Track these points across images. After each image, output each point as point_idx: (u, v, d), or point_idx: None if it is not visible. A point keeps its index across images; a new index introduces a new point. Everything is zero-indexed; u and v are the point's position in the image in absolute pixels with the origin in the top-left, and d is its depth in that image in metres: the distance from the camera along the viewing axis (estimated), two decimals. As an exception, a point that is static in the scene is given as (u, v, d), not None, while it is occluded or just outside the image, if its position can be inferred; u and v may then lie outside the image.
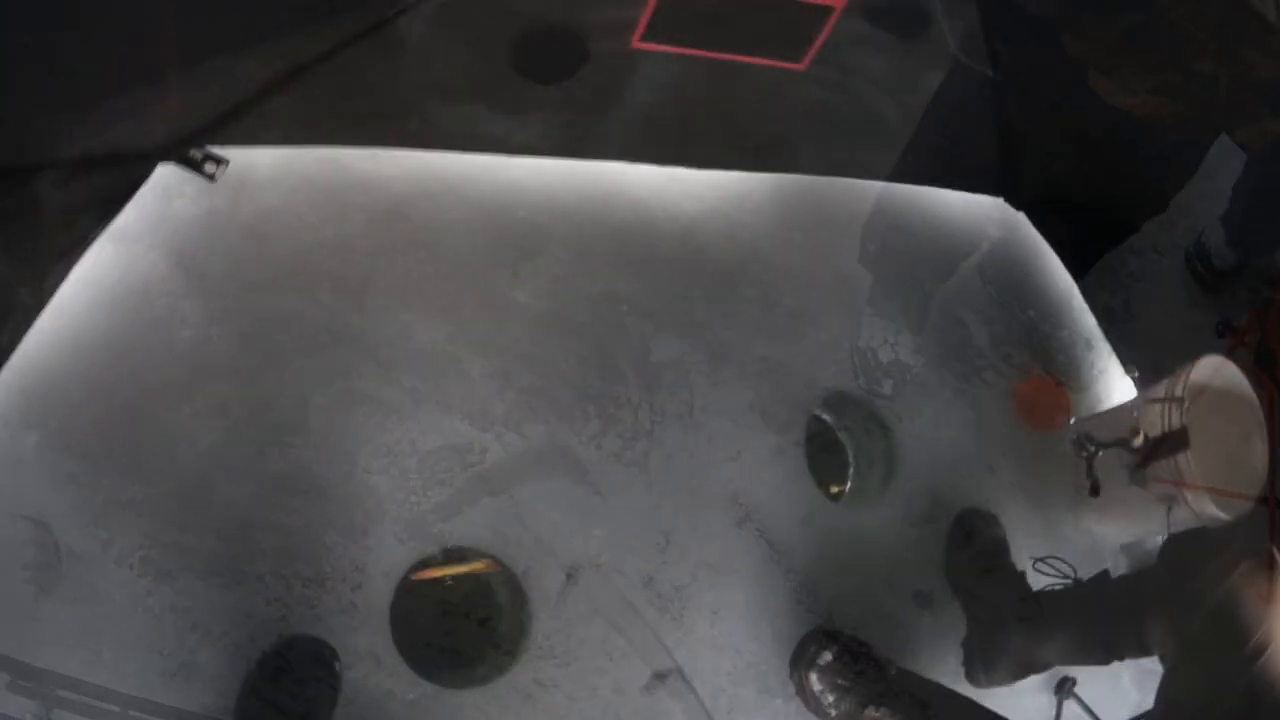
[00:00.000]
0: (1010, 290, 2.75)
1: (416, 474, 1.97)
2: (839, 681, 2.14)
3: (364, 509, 1.93)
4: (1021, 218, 2.87)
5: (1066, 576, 2.35)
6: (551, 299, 2.17)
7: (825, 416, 2.47)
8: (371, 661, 1.88)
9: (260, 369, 1.94)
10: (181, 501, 1.83)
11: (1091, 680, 2.32)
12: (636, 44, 2.03)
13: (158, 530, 1.80)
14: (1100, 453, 2.39)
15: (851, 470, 2.49)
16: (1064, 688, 2.44)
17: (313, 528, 1.89)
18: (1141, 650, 2.14)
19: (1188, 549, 2.29)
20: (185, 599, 1.78)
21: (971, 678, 2.38)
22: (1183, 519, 2.43)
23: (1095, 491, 2.42)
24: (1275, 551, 1.95)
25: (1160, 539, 2.50)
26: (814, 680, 2.16)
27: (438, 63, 2.00)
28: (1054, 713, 2.39)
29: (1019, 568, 2.41)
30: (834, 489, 2.44)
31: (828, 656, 2.15)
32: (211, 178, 1.95)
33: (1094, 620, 2.20)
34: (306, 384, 1.95)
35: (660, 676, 2.04)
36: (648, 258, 2.28)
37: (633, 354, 2.20)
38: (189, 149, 1.92)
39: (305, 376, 1.95)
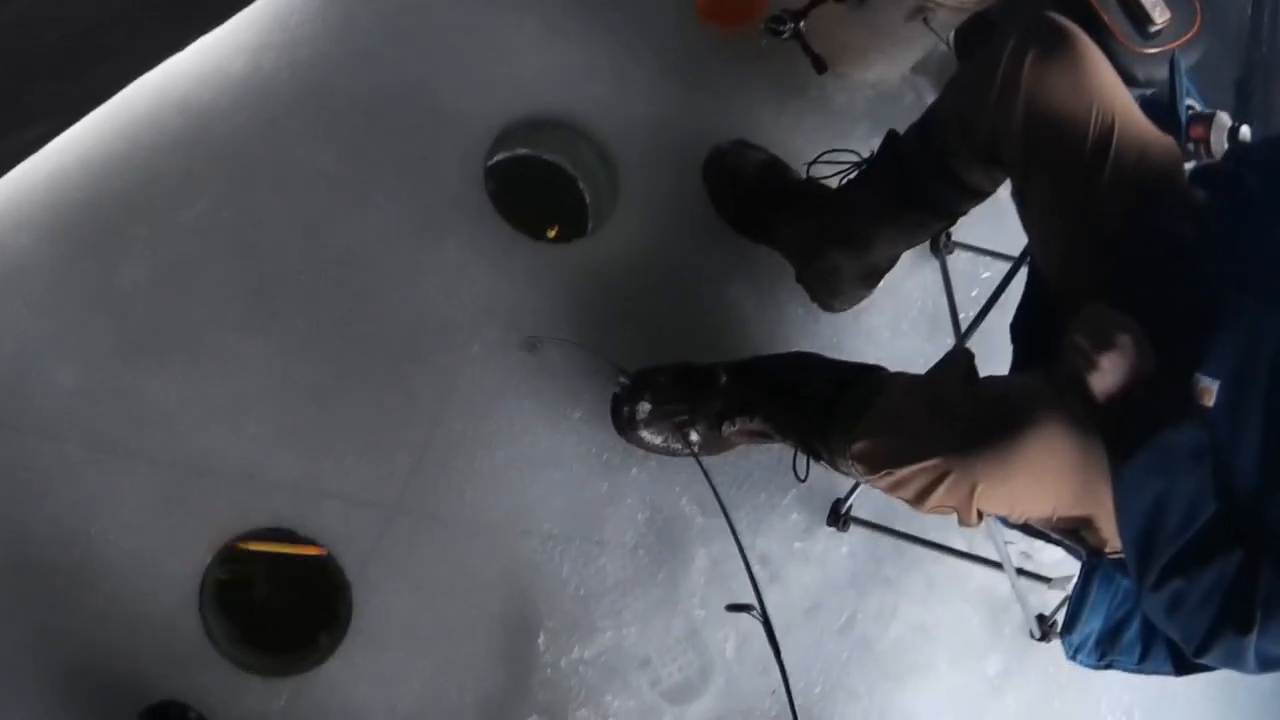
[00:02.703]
0: None
1: (162, 516, 1.81)
2: (674, 420, 1.91)
3: (133, 574, 1.78)
4: None
5: (856, 162, 2.05)
6: (156, 256, 1.90)
7: (522, 151, 2.10)
8: (224, 691, 1.77)
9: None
10: None
11: (969, 224, 1.99)
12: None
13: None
14: (802, 24, 2.05)
15: (584, 194, 2.14)
16: (940, 245, 2.18)
17: (99, 615, 1.76)
18: (972, 195, 1.87)
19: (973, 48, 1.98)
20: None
21: (829, 309, 2.13)
22: (947, 20, 2.11)
23: (820, 67, 2.08)
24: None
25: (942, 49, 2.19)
26: (649, 436, 1.92)
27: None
28: (940, 275, 2.14)
29: (801, 178, 2.12)
30: (552, 231, 2.10)
31: (645, 406, 1.87)
32: None
33: (907, 190, 1.92)
34: (7, 494, 1.78)
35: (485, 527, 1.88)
36: (225, 145, 1.95)
37: (257, 258, 1.93)
38: None
39: (6, 484, 1.78)
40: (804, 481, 1.89)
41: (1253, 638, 1.25)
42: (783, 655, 1.64)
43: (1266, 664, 1.29)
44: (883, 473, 1.55)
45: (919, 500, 1.53)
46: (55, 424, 1.78)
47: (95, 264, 1.86)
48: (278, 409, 1.85)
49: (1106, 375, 1.33)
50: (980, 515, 1.52)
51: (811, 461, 1.85)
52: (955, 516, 1.53)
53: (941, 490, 1.47)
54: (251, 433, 1.84)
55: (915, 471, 1.49)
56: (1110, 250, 1.53)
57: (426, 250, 1.95)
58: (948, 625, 2.13)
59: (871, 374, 1.78)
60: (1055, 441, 1.42)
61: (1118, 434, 1.35)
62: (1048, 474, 1.45)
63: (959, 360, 1.67)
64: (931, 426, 1.51)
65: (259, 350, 1.87)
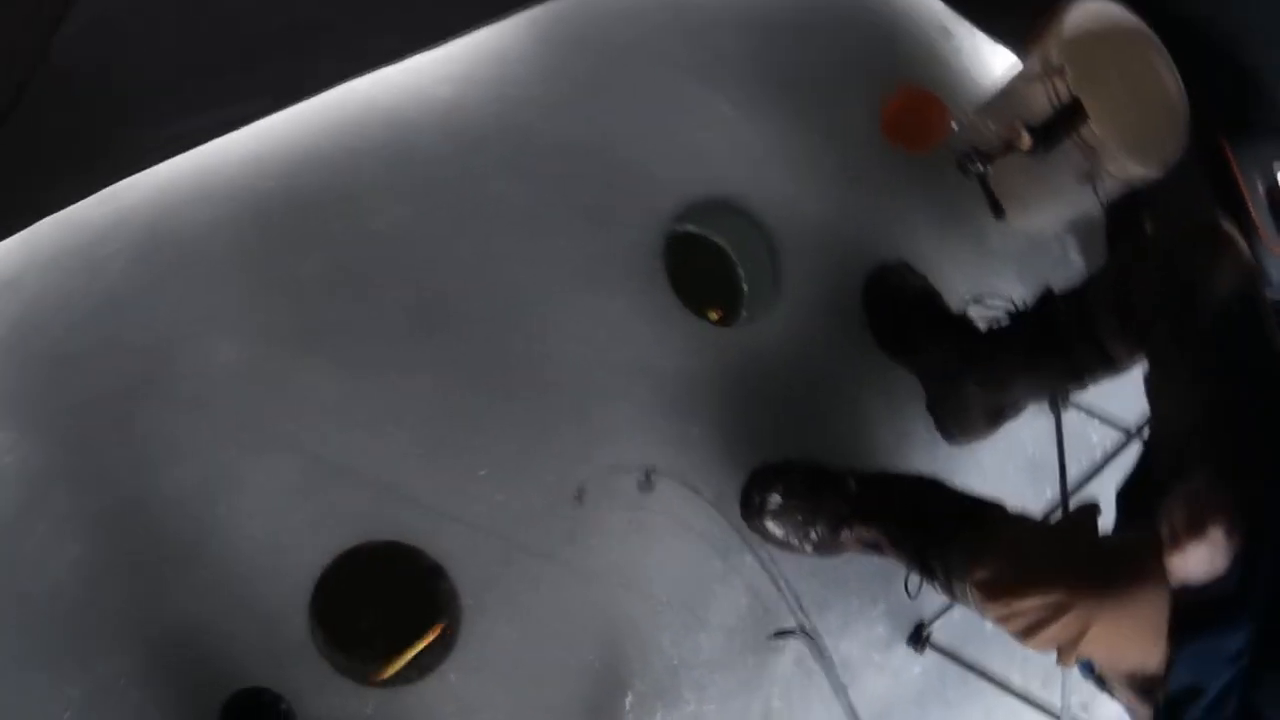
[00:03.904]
0: (833, 11, 2.41)
1: (291, 508, 1.84)
2: (798, 518, 1.99)
3: (249, 558, 1.81)
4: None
5: (1007, 309, 2.14)
6: (338, 256, 1.96)
7: (691, 229, 2.17)
8: (315, 689, 1.80)
9: (89, 460, 1.79)
10: (76, 620, 1.72)
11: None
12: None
13: (65, 657, 1.71)
14: (989, 167, 2.15)
15: (741, 280, 2.20)
16: (1059, 402, 2.27)
17: (208, 590, 1.78)
18: (1109, 367, 1.96)
19: (1129, 226, 2.07)
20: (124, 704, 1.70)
21: (949, 439, 2.21)
22: (1113, 188, 2.21)
23: (999, 212, 2.18)
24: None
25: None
26: (773, 528, 1.99)
27: (112, 86, 1.76)
28: (1054, 431, 2.22)
29: (955, 311, 2.21)
30: (715, 314, 2.16)
31: (775, 498, 1.95)
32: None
33: (1051, 347, 2.01)
34: (140, 455, 1.80)
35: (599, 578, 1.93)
36: (422, 164, 2.03)
37: (433, 275, 2.00)
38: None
39: (134, 448, 1.80)
40: (914, 598, 1.96)
41: None
42: None
43: None
44: (1002, 601, 1.62)
45: (1029, 633, 1.59)
46: (204, 396, 1.81)
47: (276, 251, 1.90)
48: (425, 425, 1.89)
49: (1188, 560, 1.39)
50: (1079, 657, 1.59)
51: (924, 582, 1.91)
52: (1054, 655, 1.59)
53: (1055, 626, 1.54)
54: (396, 443, 1.87)
55: (1035, 605, 1.56)
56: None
57: (595, 302, 2.01)
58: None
59: (997, 508, 1.86)
60: (1164, 596, 1.46)
61: (1179, 611, 1.41)
62: (1154, 629, 1.52)
63: (1089, 510, 1.75)
64: (1058, 564, 1.58)
65: (419, 364, 1.92)
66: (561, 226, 2.02)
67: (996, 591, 1.65)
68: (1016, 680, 2.19)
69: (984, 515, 1.85)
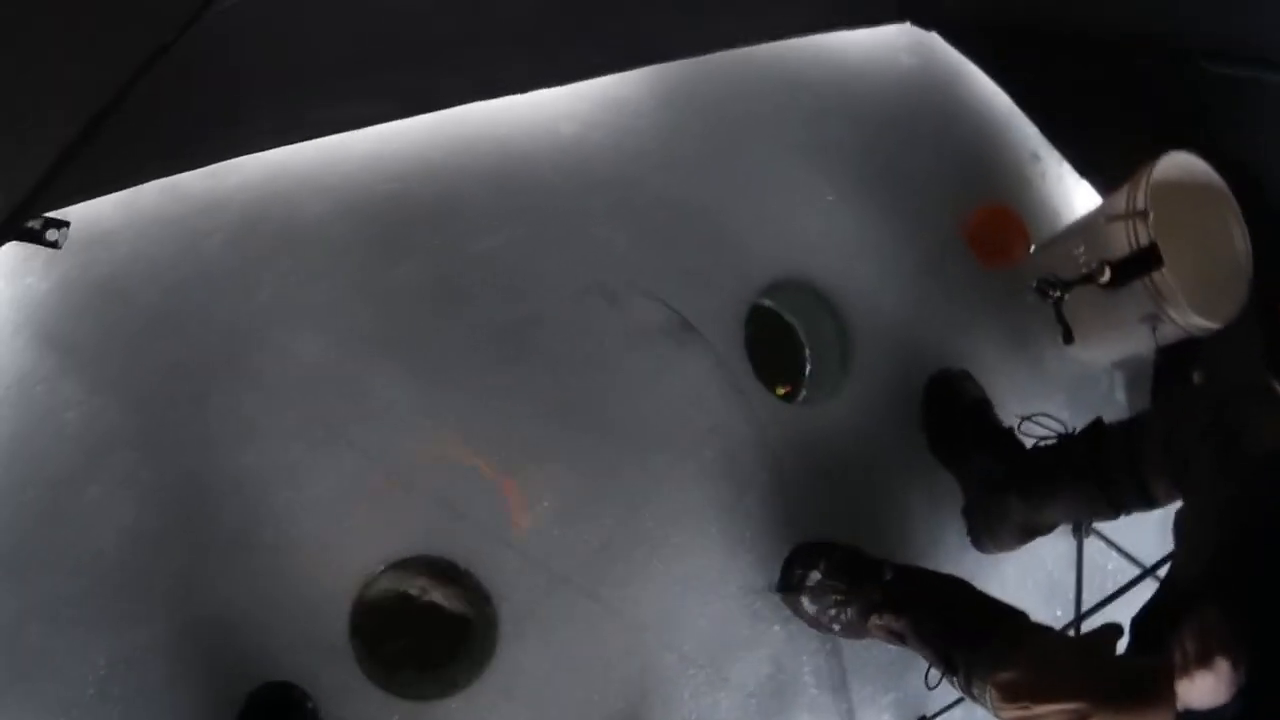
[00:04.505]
0: (938, 119, 2.52)
1: (347, 510, 1.88)
2: (834, 598, 2.05)
3: (299, 553, 1.85)
4: (934, 38, 2.60)
5: (1056, 431, 2.23)
6: (435, 269, 2.02)
7: (767, 303, 2.26)
8: (343, 693, 1.83)
9: (156, 428, 1.83)
10: (116, 585, 1.75)
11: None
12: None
13: (98, 619, 1.73)
14: (1066, 296, 2.24)
15: (806, 361, 2.30)
16: (1081, 527, 2.35)
17: (252, 578, 1.82)
18: (1146, 502, 2.04)
19: (1178, 374, 2.16)
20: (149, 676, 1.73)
21: (979, 547, 2.29)
22: (1170, 334, 2.31)
23: (1069, 338, 2.27)
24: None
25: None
26: (807, 604, 2.05)
27: (249, 63, 1.81)
28: (1075, 555, 2.30)
29: (1005, 425, 2.29)
30: (782, 389, 2.25)
31: (815, 575, 2.02)
32: (55, 245, 1.78)
33: (1094, 474, 2.09)
34: (208, 433, 1.84)
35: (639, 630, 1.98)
36: (530, 195, 2.11)
37: (522, 303, 2.05)
38: (24, 222, 1.77)
39: (203, 425, 1.84)
40: (932, 690, 2.02)
41: None
42: None
43: None
44: (1021, 704, 1.70)
45: None
46: (280, 387, 1.86)
47: (375, 255, 1.96)
48: (493, 448, 1.95)
49: (1195, 689, 1.46)
50: None
51: (944, 676, 1.98)
52: None
53: None
54: (462, 462, 1.93)
55: (1055, 711, 1.63)
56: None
57: (678, 357, 2.08)
58: None
59: (1023, 615, 1.94)
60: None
61: None
62: None
63: (1113, 629, 1.83)
64: (1080, 675, 1.66)
65: (495, 388, 1.98)
66: (656, 279, 2.07)
67: (1019, 694, 1.73)
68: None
69: (1011, 620, 1.92)
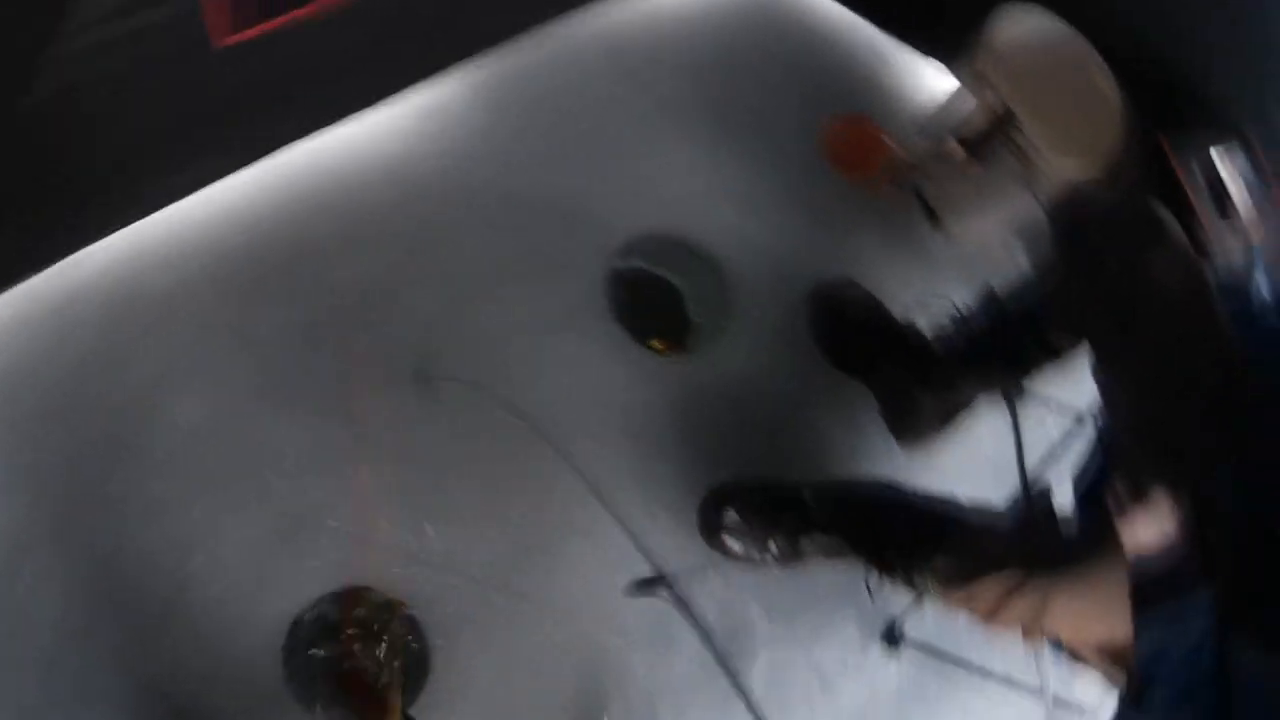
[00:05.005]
0: (771, 44, 2.51)
1: (264, 557, 1.93)
2: (756, 532, 2.07)
3: (225, 608, 1.90)
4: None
5: (951, 314, 2.21)
6: (302, 311, 2.07)
7: (640, 265, 2.26)
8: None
9: (64, 522, 1.88)
10: (52, 676, 1.80)
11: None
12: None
13: (49, 711, 1.80)
14: (925, 182, 2.21)
15: (690, 313, 2.28)
16: (1010, 393, 2.32)
17: (187, 641, 1.88)
18: (1051, 355, 2.02)
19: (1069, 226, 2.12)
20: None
21: (905, 445, 2.29)
22: (1053, 190, 2.26)
23: (936, 223, 2.25)
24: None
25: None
26: (731, 542, 2.06)
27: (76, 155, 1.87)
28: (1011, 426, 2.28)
29: (901, 321, 2.28)
30: (660, 344, 2.24)
31: (731, 515, 2.03)
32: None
33: (995, 344, 2.08)
34: (116, 514, 1.90)
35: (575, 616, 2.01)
36: (369, 223, 2.14)
37: (391, 325, 2.09)
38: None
39: (110, 509, 1.91)
40: (873, 599, 2.02)
41: None
42: None
43: None
44: (962, 587, 1.70)
45: (991, 615, 1.67)
46: (178, 454, 1.91)
47: (241, 308, 2.01)
48: (393, 471, 1.98)
49: (1138, 530, 1.45)
50: (1041, 635, 1.65)
51: (884, 579, 1.98)
52: (1018, 635, 1.66)
53: (1017, 603, 1.61)
54: (364, 491, 1.96)
55: (994, 586, 1.63)
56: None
57: (552, 343, 2.11)
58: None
59: (951, 501, 1.93)
60: (1120, 569, 1.51)
61: (1140, 581, 1.46)
62: (1115, 602, 1.58)
63: (1042, 495, 1.82)
64: (1014, 546, 1.66)
65: (383, 412, 2.01)
66: (511, 273, 2.10)
67: (956, 577, 1.73)
68: (997, 667, 2.24)
69: (939, 508, 1.92)
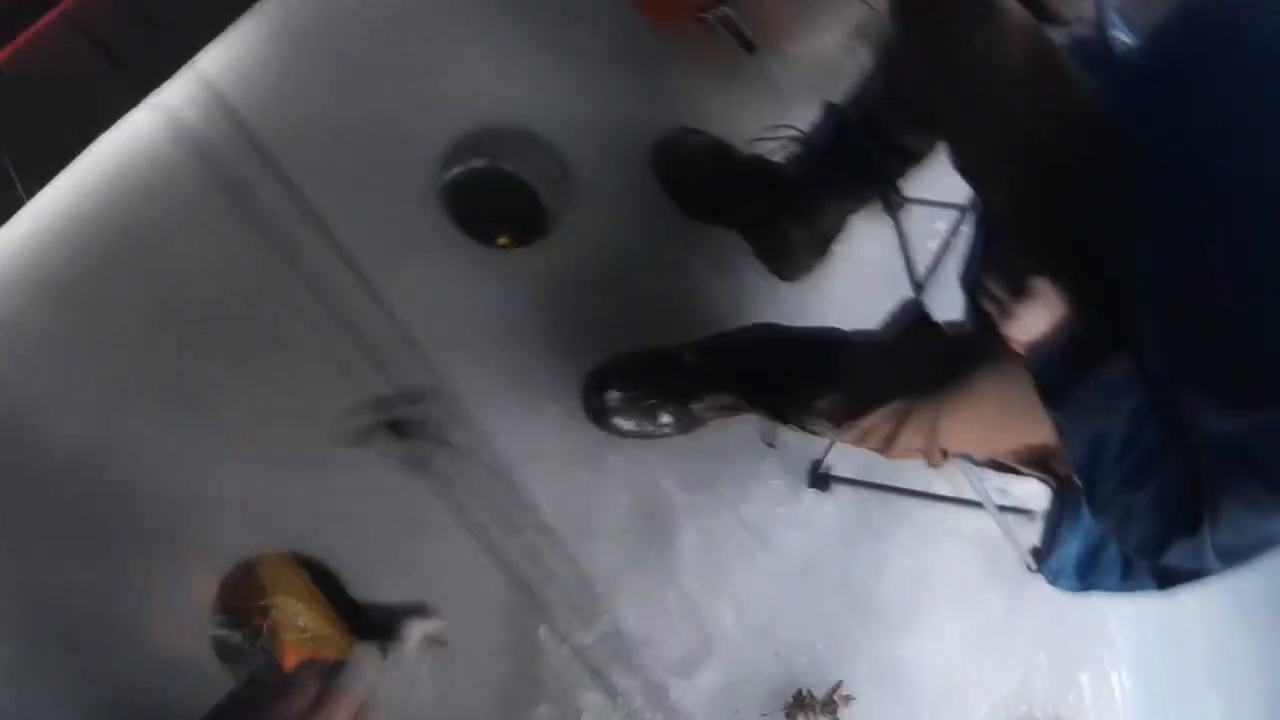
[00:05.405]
0: None
1: (156, 562, 1.88)
2: (644, 405, 1.99)
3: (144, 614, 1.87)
4: None
5: (796, 136, 2.11)
6: (144, 308, 1.99)
7: (479, 164, 2.14)
8: None
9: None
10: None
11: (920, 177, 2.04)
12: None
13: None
14: (731, 8, 2.10)
15: (541, 200, 2.16)
16: (892, 202, 2.21)
17: (93, 668, 1.85)
18: (913, 160, 1.93)
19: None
20: None
21: (786, 279, 2.19)
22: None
23: (748, 46, 2.14)
24: None
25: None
26: (624, 424, 1.98)
27: None
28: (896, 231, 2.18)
29: (750, 156, 2.17)
30: (504, 239, 2.13)
31: (614, 395, 1.95)
32: None
33: (849, 158, 1.98)
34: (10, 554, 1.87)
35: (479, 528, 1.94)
36: (188, 201, 2.00)
37: (240, 296, 1.99)
38: None
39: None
40: (774, 448, 1.95)
41: (1205, 535, 1.27)
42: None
43: (1229, 557, 1.30)
44: (848, 424, 1.62)
45: (886, 446, 1.59)
46: (61, 470, 1.84)
47: (82, 316, 1.92)
48: (272, 437, 1.91)
49: (1025, 323, 1.36)
50: (945, 454, 1.57)
51: (782, 427, 1.90)
52: (926, 462, 1.58)
53: (907, 432, 1.54)
54: (248, 463, 1.90)
55: (879, 417, 1.55)
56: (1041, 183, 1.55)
57: (394, 271, 2.00)
58: (944, 570, 2.20)
59: (829, 334, 1.84)
60: (1010, 374, 1.45)
61: (1045, 380, 1.38)
62: (1007, 406, 1.50)
63: (910, 308, 1.73)
64: (889, 372, 1.57)
65: (242, 382, 1.93)
66: (339, 209, 2.01)
67: (841, 416, 1.66)
68: (941, 488, 2.17)
69: (819, 346, 1.84)
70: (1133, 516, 1.33)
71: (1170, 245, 1.31)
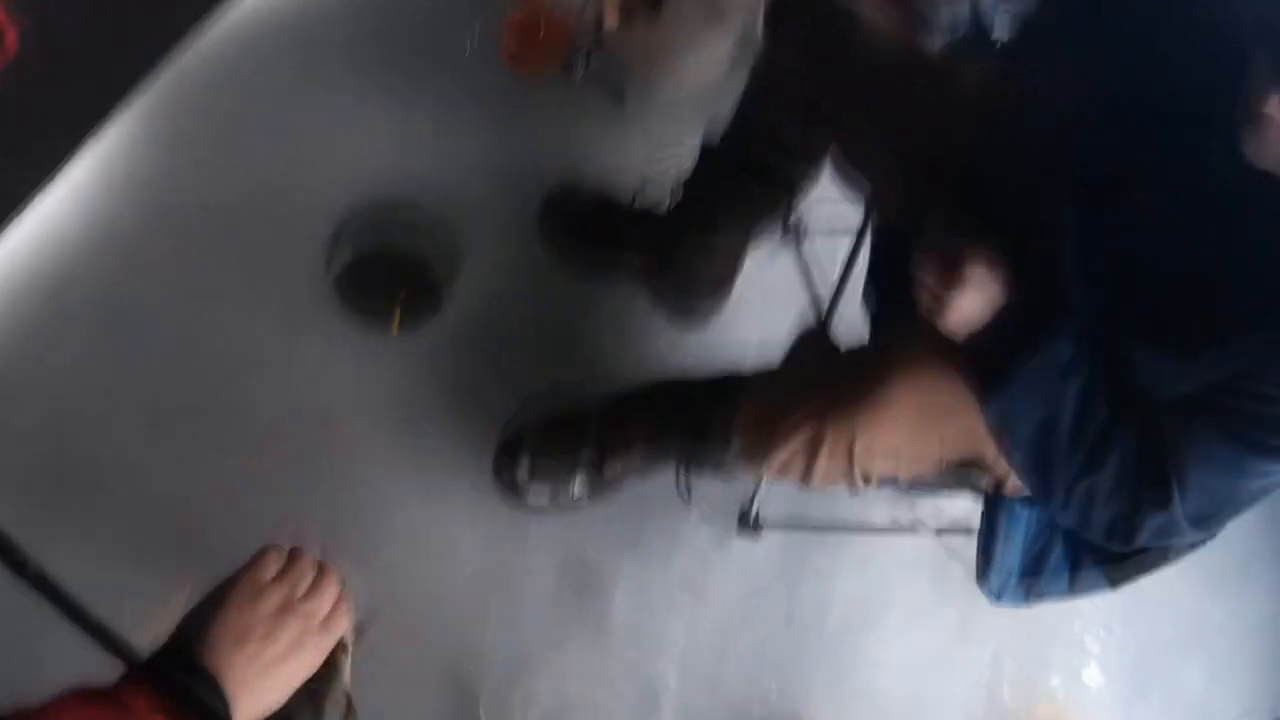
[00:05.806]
0: None
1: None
2: (556, 477, 1.95)
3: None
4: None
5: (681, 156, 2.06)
6: (51, 401, 1.93)
7: (365, 246, 2.08)
8: None
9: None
10: None
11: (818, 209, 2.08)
12: None
13: None
14: (589, 63, 2.06)
15: (423, 268, 2.10)
16: (793, 231, 2.18)
17: None
18: (809, 160, 1.89)
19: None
20: None
21: (689, 319, 2.13)
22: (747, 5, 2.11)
23: (617, 98, 2.10)
24: None
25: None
26: (539, 496, 1.93)
27: None
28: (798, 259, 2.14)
29: (631, 200, 2.12)
30: (394, 323, 2.07)
31: (523, 471, 1.90)
32: None
33: (740, 170, 1.94)
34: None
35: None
36: (86, 292, 1.99)
37: (142, 381, 1.96)
38: None
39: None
40: (689, 502, 1.91)
41: (1176, 505, 1.25)
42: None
43: (1201, 524, 1.27)
44: (766, 461, 1.57)
45: (807, 475, 1.54)
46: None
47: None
48: (189, 521, 1.87)
49: (961, 310, 1.32)
50: (868, 479, 1.53)
51: (701, 476, 1.86)
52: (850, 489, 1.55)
53: (824, 457, 1.49)
54: (163, 552, 1.86)
55: (793, 447, 1.51)
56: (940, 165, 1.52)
57: (291, 353, 1.99)
58: (891, 595, 2.15)
59: (731, 376, 1.80)
60: (923, 384, 1.42)
61: (985, 367, 1.34)
62: (922, 419, 1.45)
63: (809, 333, 1.69)
64: (796, 399, 1.53)
65: (158, 465, 1.91)
66: (236, 292, 2.00)
67: (756, 454, 1.61)
68: (876, 518, 2.13)
69: (722, 391, 1.79)
70: (1096, 502, 1.30)
71: (1091, 199, 1.28)
